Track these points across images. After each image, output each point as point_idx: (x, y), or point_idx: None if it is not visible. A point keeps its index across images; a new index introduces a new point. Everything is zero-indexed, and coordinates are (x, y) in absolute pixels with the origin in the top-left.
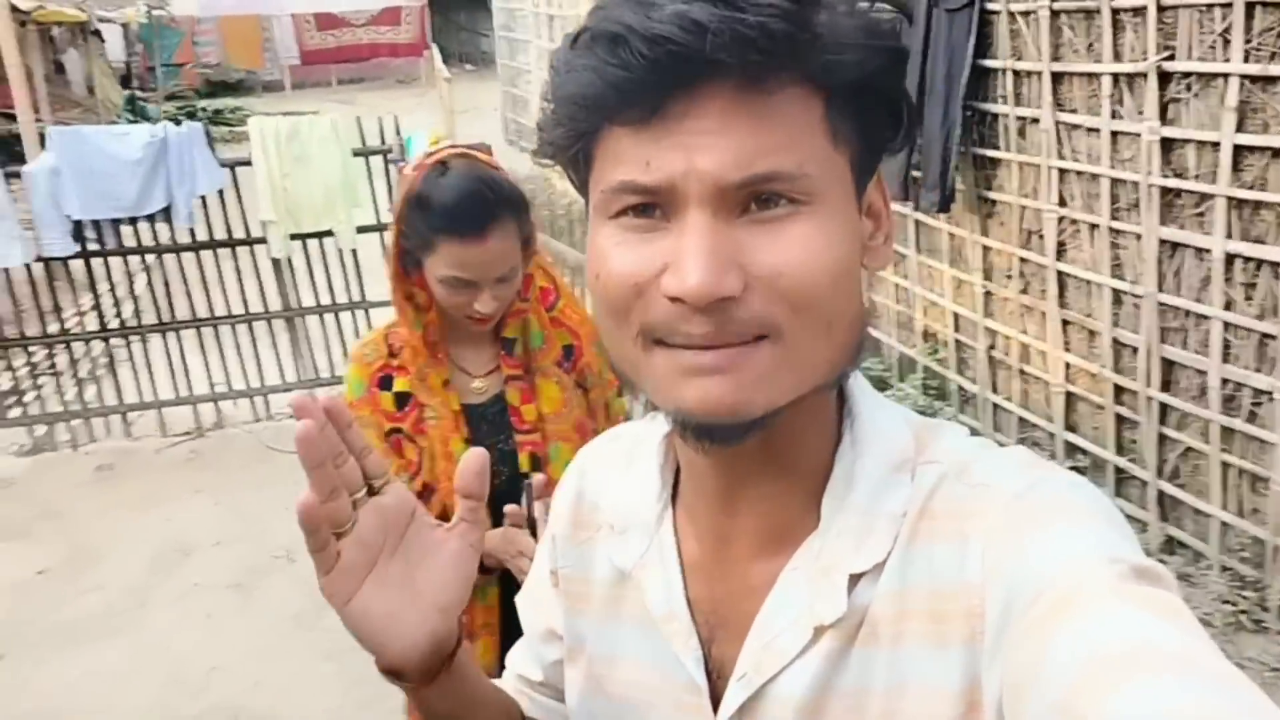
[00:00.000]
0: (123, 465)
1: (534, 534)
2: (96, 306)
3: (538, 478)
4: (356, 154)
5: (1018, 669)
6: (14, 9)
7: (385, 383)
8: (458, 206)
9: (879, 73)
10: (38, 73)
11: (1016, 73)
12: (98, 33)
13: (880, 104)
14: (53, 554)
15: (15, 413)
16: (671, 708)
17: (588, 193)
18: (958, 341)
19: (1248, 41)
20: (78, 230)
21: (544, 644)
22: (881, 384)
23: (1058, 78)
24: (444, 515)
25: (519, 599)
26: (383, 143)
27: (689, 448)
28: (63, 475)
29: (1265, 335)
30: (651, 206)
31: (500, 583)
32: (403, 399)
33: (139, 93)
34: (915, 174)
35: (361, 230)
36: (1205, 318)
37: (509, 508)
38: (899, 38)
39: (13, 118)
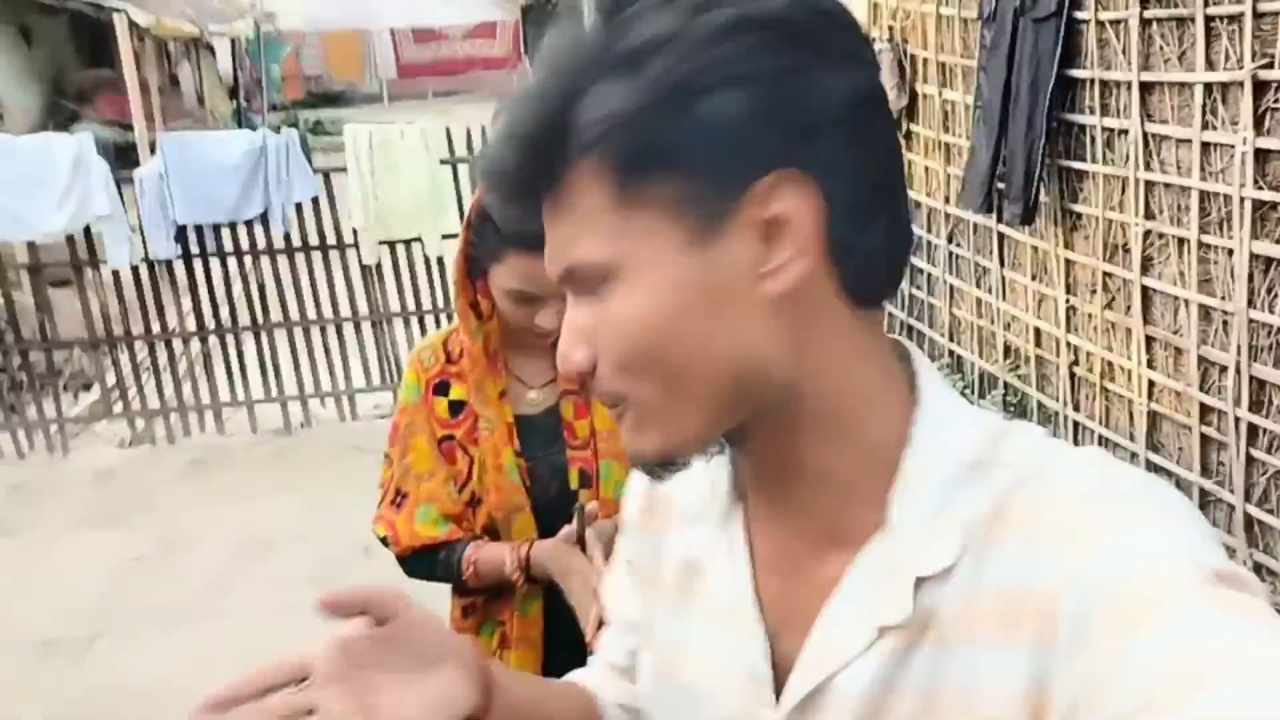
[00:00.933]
0: (214, 460)
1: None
2: (196, 307)
3: (590, 506)
4: (444, 163)
5: (1095, 672)
6: (133, 24)
7: (441, 389)
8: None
9: (663, 124)
10: (153, 85)
11: (1104, 83)
12: (210, 47)
13: (697, 140)
14: (147, 542)
15: (118, 408)
16: (737, 696)
17: None
18: (1039, 358)
19: None
20: (181, 233)
21: (626, 633)
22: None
23: (1147, 88)
24: (490, 527)
25: (605, 587)
26: (471, 153)
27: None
28: (159, 468)
29: None
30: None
31: (545, 595)
32: (457, 407)
33: (246, 103)
34: (1000, 185)
35: (448, 238)
36: None
37: (564, 529)
38: (720, 52)
39: (130, 127)
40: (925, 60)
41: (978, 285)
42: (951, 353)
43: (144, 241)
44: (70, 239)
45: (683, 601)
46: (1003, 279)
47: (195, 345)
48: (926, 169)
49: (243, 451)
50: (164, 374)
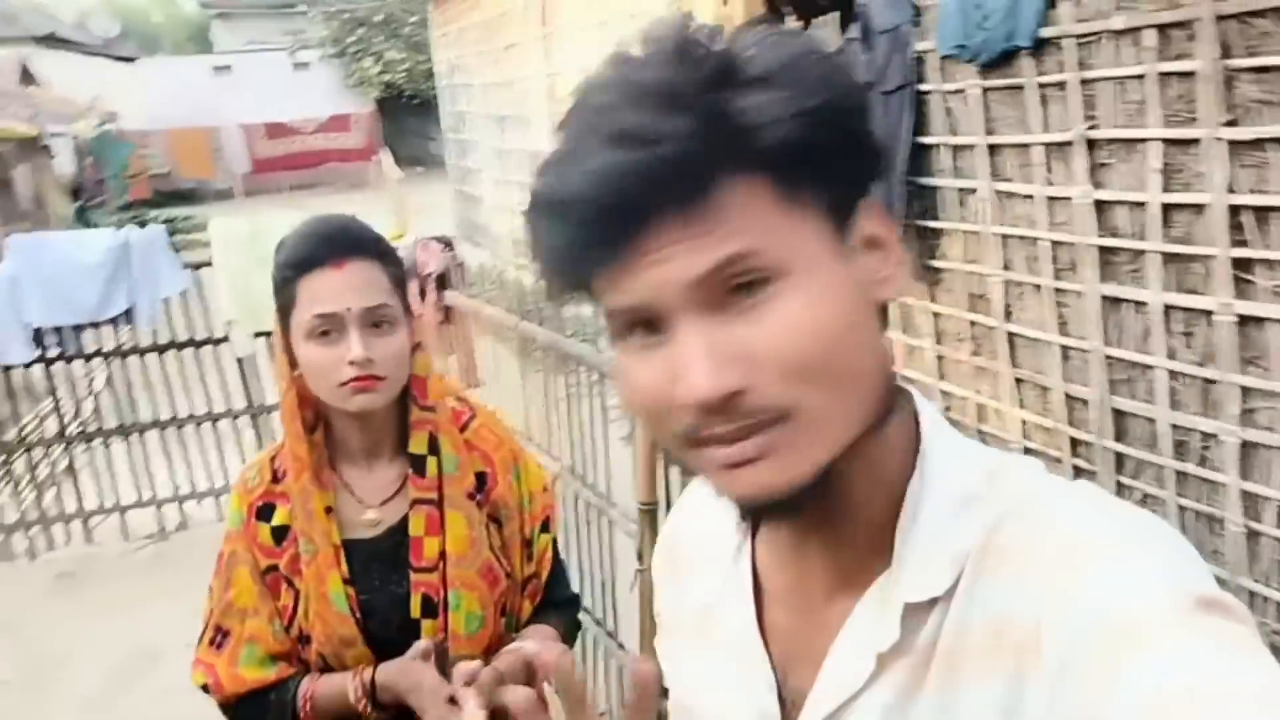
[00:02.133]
0: (84, 572)
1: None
2: (56, 411)
3: (447, 647)
4: None
5: (1084, 703)
6: None
7: (264, 513)
8: (309, 236)
9: (818, 134)
10: None
11: (954, 147)
12: (46, 148)
13: (834, 156)
14: (10, 667)
15: None
16: None
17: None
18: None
19: (1165, 108)
20: (38, 336)
21: None
22: None
23: (994, 149)
24: (325, 668)
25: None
26: None
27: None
28: (20, 585)
29: (1207, 380)
30: (649, 321)
31: None
32: (281, 533)
33: (87, 204)
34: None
35: None
36: (1150, 367)
37: (416, 645)
38: (839, 81)
39: None
40: None
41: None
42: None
43: None
44: None
45: (700, 642)
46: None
47: (57, 451)
48: None
49: (115, 561)
50: (23, 484)
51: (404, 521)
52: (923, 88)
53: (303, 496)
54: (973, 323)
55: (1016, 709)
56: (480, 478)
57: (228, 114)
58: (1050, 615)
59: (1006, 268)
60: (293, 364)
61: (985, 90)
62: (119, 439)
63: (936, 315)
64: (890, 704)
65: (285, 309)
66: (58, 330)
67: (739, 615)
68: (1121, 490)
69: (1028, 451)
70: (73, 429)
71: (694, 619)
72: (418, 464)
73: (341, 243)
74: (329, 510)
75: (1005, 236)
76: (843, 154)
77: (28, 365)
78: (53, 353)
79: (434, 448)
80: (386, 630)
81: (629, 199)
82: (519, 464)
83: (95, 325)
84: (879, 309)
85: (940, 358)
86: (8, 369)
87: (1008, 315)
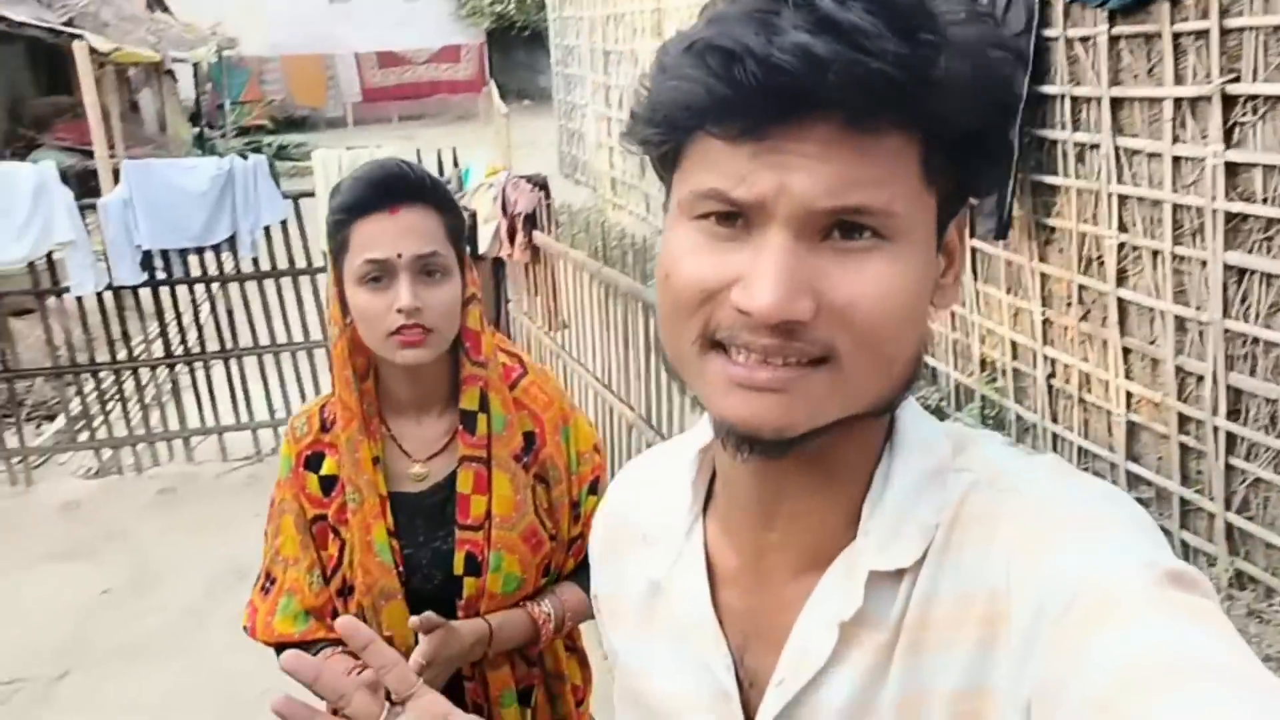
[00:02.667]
0: (184, 489)
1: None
2: (163, 334)
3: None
4: None
5: (1052, 676)
6: (93, 51)
7: (313, 462)
8: (364, 181)
9: (985, 124)
10: (114, 111)
11: (1075, 98)
12: (170, 73)
13: (980, 151)
14: (116, 575)
15: (83, 437)
16: (704, 717)
17: (670, 185)
18: (1016, 370)
19: None
20: (147, 260)
21: None
22: (938, 413)
23: (1117, 103)
24: (362, 618)
25: None
26: (441, 175)
27: (728, 456)
28: (127, 498)
29: None
30: (735, 216)
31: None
32: (329, 483)
33: (208, 129)
34: (973, 201)
35: None
36: (1275, 344)
37: (416, 654)
38: (1015, 88)
39: (91, 154)
40: None
41: None
42: (927, 365)
43: (109, 268)
44: (31, 266)
45: (646, 625)
46: (977, 293)
47: (163, 373)
48: None
49: (212, 480)
50: (130, 402)
51: (451, 478)
52: (1045, 33)
53: (350, 445)
54: (1082, 286)
55: (983, 680)
56: (528, 437)
57: (342, 42)
58: (1018, 587)
59: (1123, 229)
60: (344, 311)
61: (1114, 38)
62: (219, 362)
63: (1045, 277)
64: (861, 678)
65: (338, 253)
66: (165, 254)
67: (692, 595)
68: (1231, 473)
69: (1131, 426)
70: (177, 351)
71: (638, 601)
72: (469, 420)
73: (397, 189)
74: (376, 461)
75: (1124, 197)
76: (986, 155)
77: (136, 287)
78: (160, 276)
79: (484, 404)
80: (428, 585)
81: (815, 86)
82: (569, 424)
83: (200, 251)
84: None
85: (1046, 321)
86: (118, 290)
87: (1120, 280)
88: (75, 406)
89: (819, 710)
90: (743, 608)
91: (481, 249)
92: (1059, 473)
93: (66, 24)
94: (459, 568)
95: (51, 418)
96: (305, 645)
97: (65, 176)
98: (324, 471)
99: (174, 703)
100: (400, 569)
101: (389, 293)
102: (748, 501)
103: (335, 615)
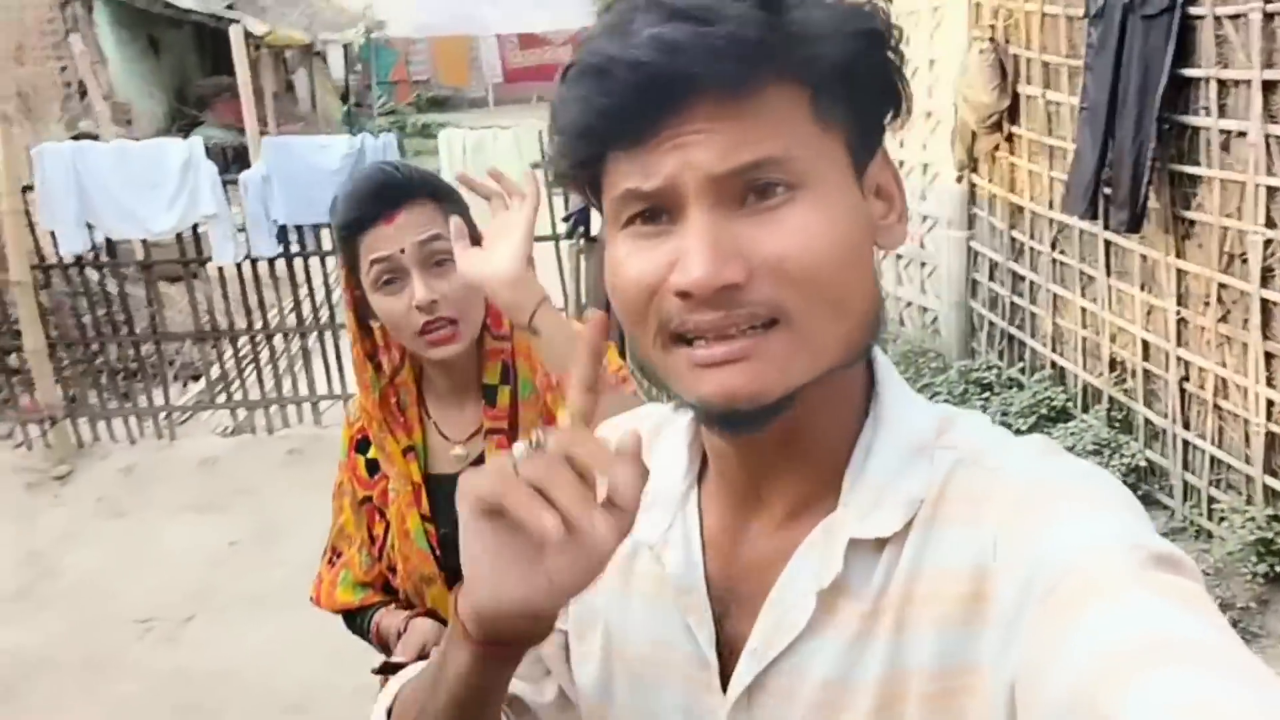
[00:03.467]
0: (311, 450)
1: None
2: (296, 304)
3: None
4: (534, 166)
5: (1036, 656)
6: (248, 34)
7: (362, 446)
8: (355, 197)
9: (860, 58)
10: (268, 90)
11: (1222, 82)
12: (321, 54)
13: (869, 85)
14: (244, 528)
15: (222, 398)
16: (680, 682)
17: (603, 212)
18: (1147, 372)
19: None
20: (283, 234)
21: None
22: (1063, 414)
23: (1269, 86)
24: (407, 602)
25: None
26: None
27: (715, 437)
28: (258, 457)
29: None
30: (657, 212)
31: None
32: (374, 466)
33: (356, 108)
34: (1106, 190)
35: (538, 240)
36: None
37: None
38: (876, 20)
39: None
40: (1028, 60)
41: (1082, 294)
42: (1054, 364)
43: (248, 240)
44: (180, 237)
45: (624, 586)
46: (1109, 288)
47: (295, 341)
48: (1030, 172)
49: (338, 442)
50: (265, 368)
51: (483, 456)
52: (1192, 11)
53: (379, 442)
54: (1223, 285)
55: (967, 657)
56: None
57: (484, 24)
58: (1005, 566)
59: (1270, 225)
60: (359, 321)
61: (1268, 15)
62: (347, 332)
63: (1181, 273)
64: (833, 652)
65: (353, 268)
66: (299, 228)
67: (686, 559)
68: None
69: (1271, 436)
70: (309, 321)
71: (618, 563)
72: (489, 394)
73: (388, 196)
74: (408, 451)
75: (1272, 189)
76: (877, 87)
77: (273, 259)
78: (294, 249)
79: (506, 376)
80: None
81: (678, 68)
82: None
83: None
84: (878, 252)
85: (1181, 320)
86: (255, 262)
87: (1265, 280)
88: (216, 370)
89: (796, 679)
90: (724, 574)
91: (594, 230)
92: (1046, 451)
93: (227, 8)
94: None
95: (196, 378)
96: (361, 610)
97: (224, 152)
98: (370, 454)
99: (288, 651)
100: (437, 553)
101: (405, 292)
102: (733, 474)
103: (387, 585)
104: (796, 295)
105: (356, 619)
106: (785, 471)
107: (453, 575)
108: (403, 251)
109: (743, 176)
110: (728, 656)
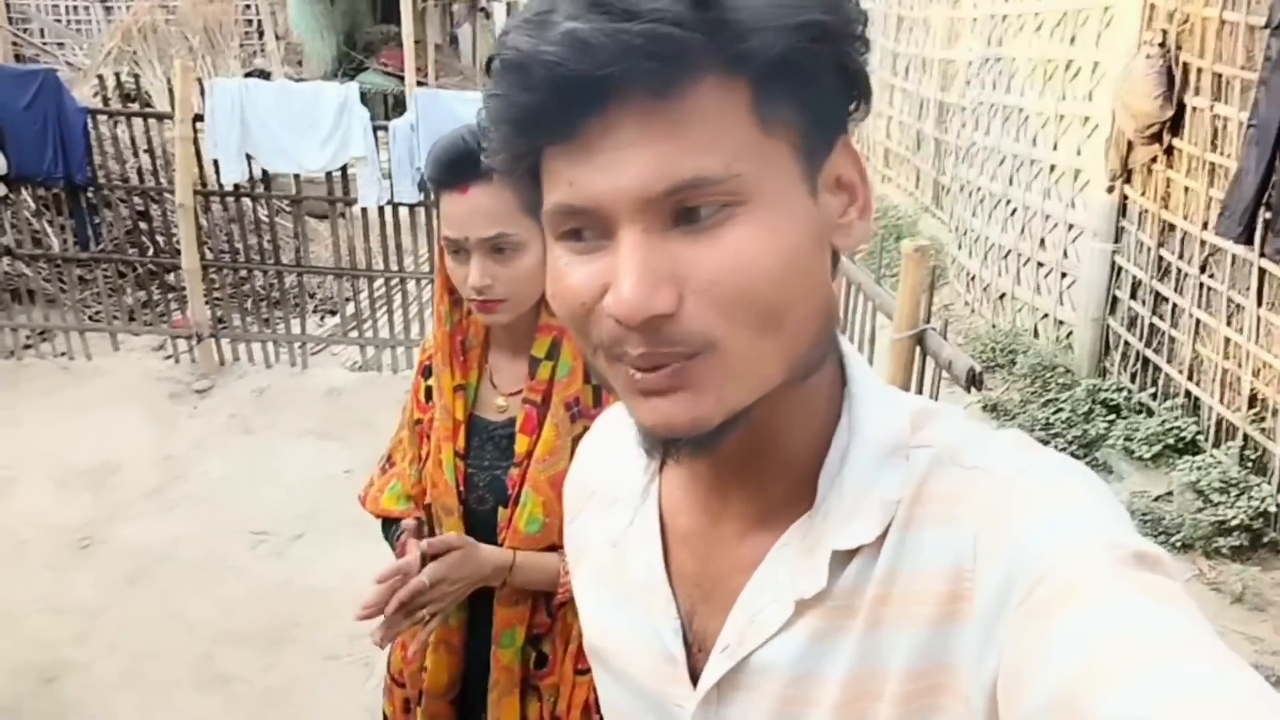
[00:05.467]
0: None
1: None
2: (430, 251)
3: (408, 523)
4: None
5: (1017, 657)
6: None
7: (427, 371)
8: (440, 154)
9: (807, 49)
10: (431, 42)
11: None
12: (486, 9)
13: (820, 78)
14: (360, 458)
15: (354, 334)
16: (649, 678)
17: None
18: None
19: None
20: (425, 182)
21: None
22: (1192, 446)
23: None
24: (430, 524)
25: None
26: None
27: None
28: (381, 392)
29: None
30: (590, 228)
31: (469, 604)
32: (430, 393)
33: None
34: (1266, 215)
35: None
36: None
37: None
38: (825, 4)
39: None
40: (1199, 70)
41: (1228, 323)
42: (1188, 393)
43: (391, 186)
44: (329, 176)
45: (602, 583)
46: (1258, 319)
47: (427, 286)
48: (1186, 189)
49: None
50: (397, 310)
51: (515, 420)
52: None
53: (438, 371)
54: None
55: (943, 657)
56: (597, 392)
57: None
58: (982, 567)
59: None
60: (444, 260)
61: None
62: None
63: (1264, 273)
64: (805, 646)
65: (437, 208)
66: None
67: (645, 556)
68: None
69: None
70: None
71: (598, 560)
72: (533, 366)
73: (464, 169)
74: (458, 389)
75: None
76: (830, 79)
77: (414, 206)
78: (434, 198)
79: (553, 352)
80: (480, 507)
81: (596, 68)
82: None
83: None
84: (832, 254)
85: (1261, 322)
86: (397, 207)
87: None
88: (351, 307)
89: (766, 676)
90: (694, 570)
91: None
92: (1022, 448)
93: None
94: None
95: (333, 313)
96: (396, 521)
97: (384, 99)
98: (429, 382)
99: None
100: (461, 489)
101: (466, 266)
102: (702, 477)
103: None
104: (727, 322)
105: (391, 527)
106: (754, 476)
107: (469, 513)
108: (467, 239)
109: (676, 196)
110: (696, 652)
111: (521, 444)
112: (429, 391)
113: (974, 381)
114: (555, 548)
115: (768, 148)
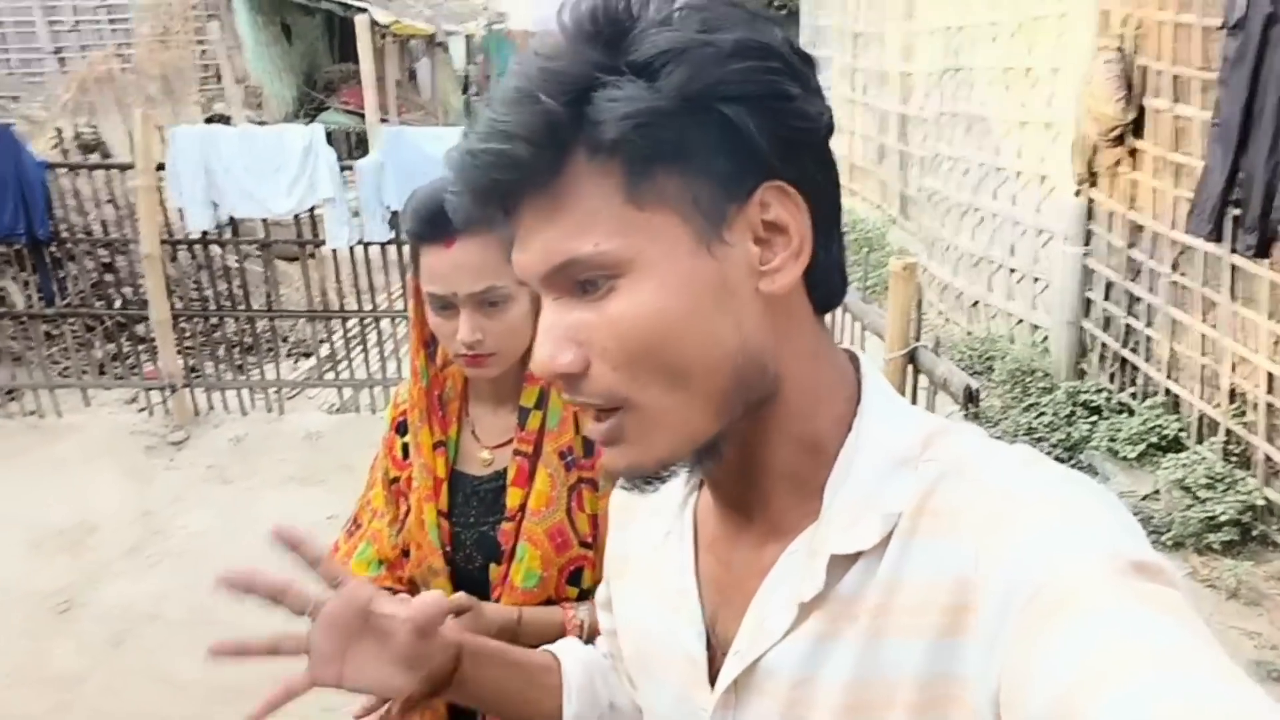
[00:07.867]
0: None
1: None
2: (404, 289)
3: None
4: None
5: (1017, 666)
6: (374, 23)
7: (402, 428)
8: (420, 208)
9: (679, 129)
10: (390, 79)
11: None
12: (443, 45)
13: (707, 147)
14: (343, 502)
15: (330, 376)
16: (675, 678)
17: None
18: (1270, 405)
19: None
20: (395, 219)
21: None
22: (1175, 444)
23: None
24: (413, 589)
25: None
26: None
27: None
28: (361, 433)
29: None
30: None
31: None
32: (408, 450)
33: (475, 97)
34: (1234, 211)
35: None
36: None
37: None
38: (707, 77)
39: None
40: (1158, 72)
41: (1203, 319)
42: (1168, 391)
43: (361, 225)
44: (298, 219)
45: (645, 589)
46: (1233, 314)
47: (402, 324)
48: (1153, 190)
49: None
50: (372, 349)
51: (506, 471)
52: None
53: (414, 430)
54: None
55: (949, 668)
56: (589, 443)
57: None
58: (986, 577)
59: None
60: (420, 309)
61: None
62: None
63: (1275, 285)
64: (809, 650)
65: (416, 264)
66: None
67: (679, 562)
68: None
69: None
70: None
71: (641, 565)
72: (522, 416)
73: (448, 222)
74: (438, 446)
75: None
76: (717, 149)
77: (384, 244)
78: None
79: (541, 402)
80: (469, 565)
81: (490, 179)
82: None
83: None
84: (769, 296)
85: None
86: (368, 245)
87: None
88: (325, 349)
89: (770, 677)
90: (717, 576)
91: None
92: (1029, 461)
93: None
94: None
95: (307, 355)
96: None
97: (347, 137)
98: (407, 438)
99: None
100: (447, 548)
101: (453, 321)
102: (717, 491)
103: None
104: (630, 381)
105: None
106: (761, 491)
107: (458, 571)
108: (455, 294)
109: (560, 275)
110: (719, 655)
111: (514, 497)
112: (405, 448)
113: (971, 399)
114: (553, 601)
115: (644, 221)
